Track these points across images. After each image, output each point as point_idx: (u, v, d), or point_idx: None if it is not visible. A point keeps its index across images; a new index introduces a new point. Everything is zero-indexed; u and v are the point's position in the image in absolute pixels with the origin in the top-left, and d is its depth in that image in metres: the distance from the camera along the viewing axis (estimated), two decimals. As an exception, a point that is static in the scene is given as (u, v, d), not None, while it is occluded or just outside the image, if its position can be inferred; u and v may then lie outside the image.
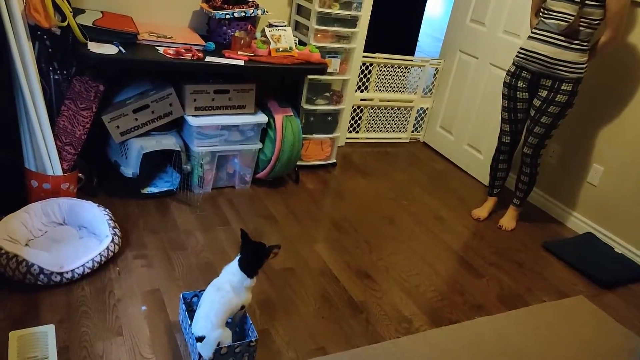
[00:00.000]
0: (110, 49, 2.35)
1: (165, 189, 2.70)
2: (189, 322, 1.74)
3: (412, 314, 2.17)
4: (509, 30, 3.29)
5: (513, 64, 2.74)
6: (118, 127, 2.50)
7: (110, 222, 2.23)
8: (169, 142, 2.61)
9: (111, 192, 2.61)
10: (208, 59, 2.55)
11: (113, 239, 2.15)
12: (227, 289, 1.72)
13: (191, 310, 1.91)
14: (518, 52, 2.70)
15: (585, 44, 2.50)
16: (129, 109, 2.49)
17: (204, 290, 1.89)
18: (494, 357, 1.99)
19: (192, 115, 2.66)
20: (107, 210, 2.31)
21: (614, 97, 2.85)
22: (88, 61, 2.31)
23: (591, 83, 2.90)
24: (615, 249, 2.86)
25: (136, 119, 2.53)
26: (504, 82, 2.79)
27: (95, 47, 2.32)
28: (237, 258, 1.78)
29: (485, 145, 3.49)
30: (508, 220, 3.01)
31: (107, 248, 2.10)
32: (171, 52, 2.49)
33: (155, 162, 2.82)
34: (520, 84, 2.71)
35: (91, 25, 2.42)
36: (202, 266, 2.24)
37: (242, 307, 1.79)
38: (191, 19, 2.96)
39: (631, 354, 2.13)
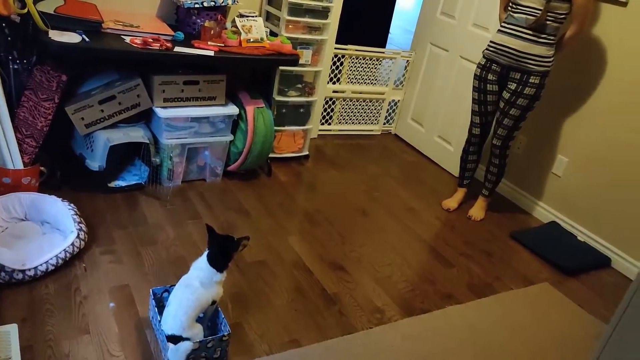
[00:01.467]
0: (73, 38, 2.27)
1: (134, 182, 2.64)
2: (159, 318, 1.71)
3: (385, 304, 2.19)
4: (478, 23, 3.32)
5: (483, 57, 2.78)
6: (83, 118, 2.42)
7: (75, 217, 2.16)
8: (137, 134, 2.55)
9: (76, 186, 2.54)
10: (177, 49, 2.49)
11: (78, 234, 2.08)
12: (196, 285, 1.70)
13: (162, 306, 1.87)
14: (488, 45, 2.74)
15: (552, 38, 2.55)
16: (94, 100, 2.42)
17: (175, 285, 1.86)
18: (464, 345, 2.03)
19: (161, 107, 2.60)
20: (72, 205, 2.24)
21: (578, 90, 2.92)
22: (50, 50, 2.22)
23: (557, 76, 2.96)
24: (578, 237, 2.94)
25: (102, 111, 2.46)
26: (475, 74, 2.82)
27: (57, 36, 2.24)
28: (206, 253, 1.75)
29: (455, 137, 3.54)
30: (477, 210, 3.06)
31: (72, 244, 2.04)
32: (138, 41, 2.42)
33: (122, 155, 2.75)
34: (490, 76, 2.75)
35: (53, 13, 2.32)
36: (173, 260, 2.20)
37: (214, 302, 1.76)
38: (159, 8, 2.89)
39: (595, 338, 2.20)
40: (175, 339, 1.63)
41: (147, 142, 2.56)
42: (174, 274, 2.12)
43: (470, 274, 2.51)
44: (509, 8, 2.64)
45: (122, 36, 2.47)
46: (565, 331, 2.22)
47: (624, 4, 2.67)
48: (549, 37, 2.55)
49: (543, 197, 3.17)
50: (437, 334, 2.06)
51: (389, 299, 2.23)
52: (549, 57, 2.59)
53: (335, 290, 2.22)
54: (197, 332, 1.69)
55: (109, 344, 1.73)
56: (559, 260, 2.69)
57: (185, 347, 1.63)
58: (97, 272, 2.04)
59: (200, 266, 1.73)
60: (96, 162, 2.46)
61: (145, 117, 2.67)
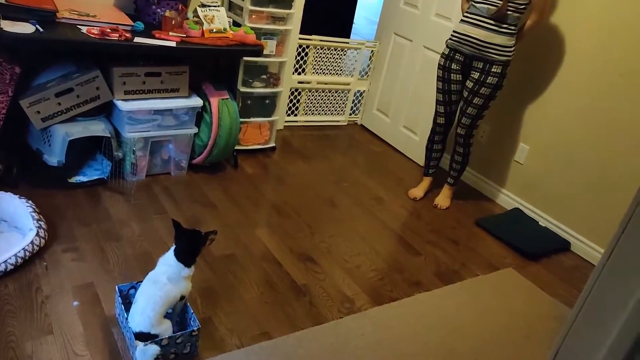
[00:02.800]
0: (26, 28, 2.17)
1: (96, 177, 2.56)
2: (126, 316, 1.67)
3: (354, 293, 2.21)
4: (441, 13, 3.36)
5: (447, 46, 2.81)
6: (39, 112, 2.33)
7: (34, 214, 2.08)
8: (97, 128, 2.47)
9: (34, 182, 2.44)
10: (137, 39, 2.42)
11: (38, 232, 2.01)
12: (163, 281, 1.67)
13: (128, 303, 1.83)
14: (451, 35, 2.77)
15: (512, 27, 2.61)
16: (51, 92, 2.33)
17: (142, 281, 1.82)
18: (433, 331, 2.07)
19: (122, 100, 2.52)
20: (30, 202, 2.16)
21: (538, 79, 3.00)
22: (1, 41, 2.12)
23: (517, 66, 3.03)
24: (540, 223, 3.04)
25: (59, 104, 2.37)
26: (438, 64, 2.86)
27: (8, 26, 2.13)
28: (172, 248, 1.72)
29: (420, 127, 3.58)
30: (443, 199, 3.12)
31: (32, 242, 1.96)
32: (95, 31, 2.34)
33: (83, 150, 2.66)
34: (453, 66, 2.79)
35: (4, 2, 2.22)
36: (139, 256, 2.15)
37: (182, 297, 1.74)
38: (117, -3, 2.80)
39: (557, 320, 2.28)
40: (143, 337, 1.60)
41: (109, 135, 2.49)
42: (140, 270, 2.07)
43: (437, 262, 2.56)
44: (471, -2, 2.68)
45: (78, 26, 2.38)
46: (529, 313, 2.29)
47: (580, -5, 2.75)
48: (510, 27, 2.60)
49: (506, 185, 3.25)
50: (406, 321, 2.10)
51: (358, 288, 2.25)
52: (510, 47, 2.65)
53: (305, 281, 2.22)
54: (166, 328, 1.66)
55: (74, 343, 1.68)
56: (522, 246, 2.78)
57: (154, 350, 1.60)
58: (59, 270, 1.98)
59: (168, 262, 1.70)
60: (55, 157, 2.37)
61: (106, 110, 2.59)
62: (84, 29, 2.35)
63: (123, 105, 2.49)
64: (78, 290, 1.91)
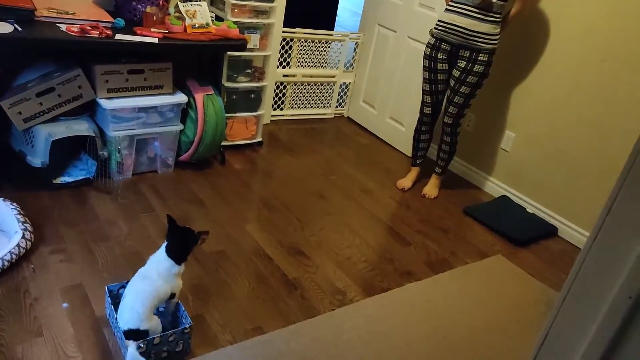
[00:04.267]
0: (4, 27, 2.13)
1: (81, 177, 2.53)
2: (116, 315, 1.66)
3: (346, 285, 2.22)
4: (424, 3, 3.36)
5: (432, 36, 2.81)
6: (20, 113, 2.29)
7: (19, 216, 2.05)
8: (80, 127, 2.44)
9: (18, 184, 2.41)
10: (118, 36, 2.39)
11: (24, 234, 1.98)
12: (154, 277, 1.66)
13: (118, 303, 1.82)
14: (436, 24, 2.77)
15: (497, 16, 2.62)
16: (32, 92, 2.29)
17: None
18: (425, 320, 2.08)
19: (105, 98, 2.49)
20: (15, 204, 2.13)
21: (522, 67, 3.02)
22: (-21, 41, 2.08)
23: (503, 54, 3.04)
24: (527, 209, 3.07)
25: (41, 104, 2.33)
26: (424, 54, 2.86)
27: (-14, 25, 2.09)
28: (164, 245, 1.71)
29: (406, 118, 3.59)
30: (431, 188, 3.13)
31: (18, 245, 1.94)
32: (75, 29, 2.30)
33: (67, 150, 2.63)
34: (440, 55, 2.80)
35: (-21, 1, 2.17)
36: (128, 256, 2.13)
37: (173, 295, 1.73)
38: (96, -6, 2.75)
39: (546, 304, 2.31)
40: (133, 334, 1.59)
41: (93, 135, 2.46)
42: (129, 269, 2.05)
43: (427, 251, 2.58)
44: (455, -13, 2.68)
45: (58, 24, 2.34)
46: (518, 298, 2.32)
47: (561, -18, 2.76)
48: (495, 15, 2.61)
49: (493, 173, 3.27)
50: (398, 311, 2.11)
51: (349, 280, 2.26)
52: (496, 35, 2.66)
53: (296, 275, 2.22)
54: (155, 324, 1.65)
55: (65, 345, 1.67)
56: (510, 233, 2.80)
57: (133, 355, 1.56)
58: (47, 272, 1.95)
59: (158, 258, 1.70)
60: (38, 158, 2.34)
61: (89, 109, 2.56)
62: (63, 27, 2.31)
63: (106, 103, 2.46)
64: (67, 291, 1.89)
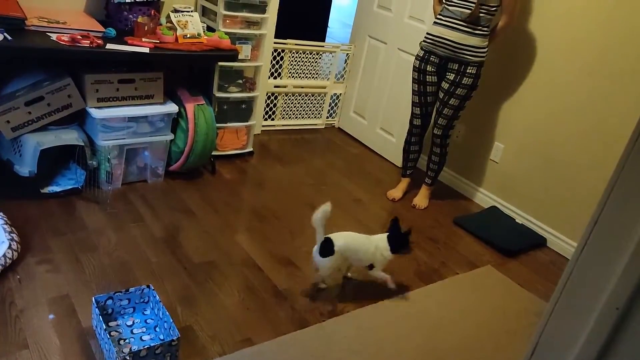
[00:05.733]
0: (-7, 36, 2.12)
1: (69, 187, 2.51)
2: (104, 327, 1.64)
3: (336, 296, 2.21)
4: (414, 15, 3.40)
5: (421, 48, 2.84)
6: (8, 122, 2.27)
7: (5, 226, 2.03)
8: (70, 136, 2.42)
9: (5, 194, 2.38)
10: (109, 46, 2.38)
11: (10, 244, 1.96)
12: (374, 241, 2.15)
13: (106, 314, 1.80)
14: (425, 37, 2.81)
15: (485, 29, 2.66)
16: (20, 101, 2.27)
17: (119, 292, 1.80)
18: (415, 330, 2.08)
19: (95, 107, 2.48)
20: (2, 213, 2.10)
21: (511, 79, 3.06)
22: (-33, 49, 2.07)
23: (491, 66, 3.08)
24: (517, 220, 3.09)
25: (29, 113, 2.31)
26: (414, 66, 2.89)
27: (-25, 34, 2.08)
28: (387, 234, 2.17)
29: (397, 129, 3.61)
30: (421, 199, 3.15)
31: (4, 255, 1.91)
32: (66, 38, 2.30)
33: (55, 159, 2.61)
34: (429, 68, 2.82)
35: (-31, 9, 2.16)
36: (116, 266, 2.11)
37: (372, 266, 2.15)
38: (87, 3, 2.75)
39: (535, 315, 2.32)
40: (327, 242, 2.05)
41: (82, 144, 2.44)
42: (117, 280, 2.03)
43: (417, 262, 2.58)
44: (444, 1, 2.72)
45: (48, 33, 2.34)
46: (508, 309, 2.33)
47: (548, -4, 2.81)
48: (483, 29, 2.65)
49: (483, 183, 3.30)
50: (389, 322, 2.10)
51: (340, 290, 2.25)
52: (484, 48, 2.70)
53: (286, 286, 2.21)
54: (325, 262, 2.06)
55: (51, 357, 1.64)
56: (499, 243, 2.82)
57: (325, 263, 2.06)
58: (33, 283, 1.93)
59: (382, 237, 2.17)
60: (26, 167, 2.31)
61: (79, 119, 2.54)
62: (53, 37, 2.31)
63: (96, 112, 2.45)
64: (53, 302, 1.86)
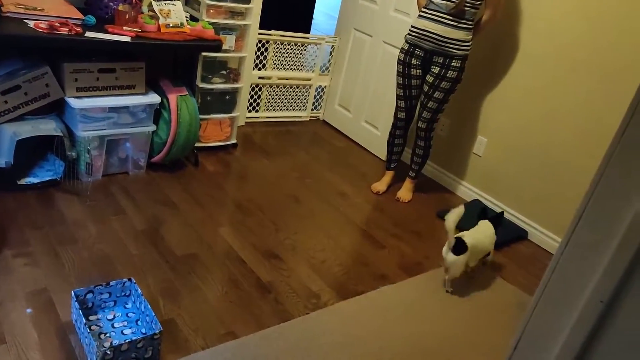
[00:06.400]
0: (-33, 22, 2.05)
1: (48, 178, 2.45)
2: (84, 321, 1.61)
3: (320, 289, 2.20)
4: (400, 9, 3.39)
5: (406, 42, 2.83)
6: (-16, 111, 2.21)
7: (-19, 219, 1.97)
8: (47, 127, 2.36)
9: (-19, 185, 2.32)
10: (88, 34, 2.33)
11: (-14, 237, 1.91)
12: (486, 231, 2.40)
13: (85, 308, 1.77)
14: (410, 30, 2.80)
15: (470, 22, 2.66)
16: (-3, 90, 2.21)
17: (100, 285, 1.77)
18: (399, 323, 2.09)
19: (74, 97, 2.43)
20: (-23, 205, 2.05)
21: (494, 73, 3.07)
22: (-60, 35, 2.00)
23: (475, 60, 3.09)
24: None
25: (6, 102, 2.25)
26: (398, 59, 2.88)
27: (-52, 19, 2.01)
28: (487, 220, 2.44)
29: (381, 122, 3.61)
30: (405, 192, 3.15)
31: (-20, 248, 1.86)
32: (43, 26, 2.24)
33: (33, 150, 2.54)
34: (413, 61, 2.82)
35: (-59, -6, 2.09)
36: (96, 259, 2.07)
37: (489, 253, 2.42)
38: (66, -10, 2.68)
39: (518, 307, 2.35)
40: (461, 244, 2.21)
41: (61, 134, 2.39)
42: (97, 273, 2.00)
43: (401, 254, 2.59)
44: (429, -6, 2.71)
45: (25, 20, 2.27)
46: (491, 301, 2.35)
47: (533, -9, 2.82)
48: (467, 22, 2.65)
49: (466, 177, 3.32)
50: (373, 314, 2.11)
51: (324, 283, 2.25)
52: (468, 41, 2.70)
53: (270, 278, 2.20)
54: (460, 261, 2.22)
55: (28, 352, 1.61)
56: (481, 236, 2.84)
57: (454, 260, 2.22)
58: (10, 276, 1.88)
59: (489, 225, 2.43)
60: (2, 158, 2.25)
61: (57, 108, 2.48)
62: (31, 24, 2.24)
63: (75, 102, 2.40)
64: (31, 296, 1.82)
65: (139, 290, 1.80)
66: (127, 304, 1.87)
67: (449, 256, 2.23)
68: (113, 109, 2.53)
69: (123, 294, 1.85)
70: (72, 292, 1.71)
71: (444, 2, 2.62)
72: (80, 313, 1.65)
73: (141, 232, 2.31)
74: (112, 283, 1.80)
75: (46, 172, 2.49)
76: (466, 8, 2.60)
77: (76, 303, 1.68)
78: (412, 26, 2.79)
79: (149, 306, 1.74)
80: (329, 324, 2.00)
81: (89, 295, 1.76)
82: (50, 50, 2.40)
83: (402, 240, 2.71)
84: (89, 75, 2.44)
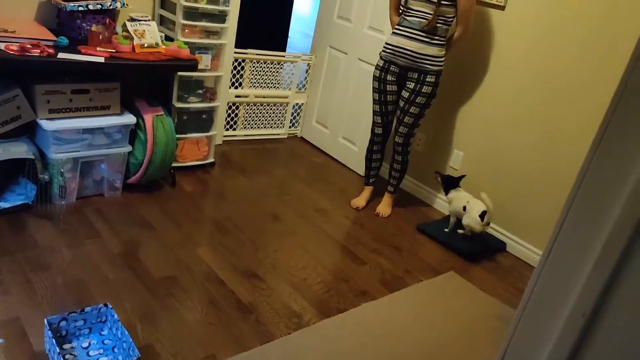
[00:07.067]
0: None
1: (19, 202, 2.39)
2: (57, 350, 1.55)
3: (302, 308, 2.18)
4: (374, 26, 3.44)
5: (381, 58, 2.87)
6: (-48, 135, 2.14)
7: (-51, 246, 1.90)
8: (19, 150, 2.31)
9: (-51, 211, 2.24)
10: (61, 55, 2.30)
11: (-46, 266, 1.84)
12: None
13: (59, 336, 1.71)
14: (384, 47, 2.84)
15: (443, 39, 2.72)
16: (-35, 113, 2.15)
17: (74, 312, 1.72)
18: (381, 339, 2.08)
19: (47, 119, 2.38)
20: (-56, 233, 1.97)
21: (468, 88, 3.13)
22: None
23: (449, 75, 3.15)
24: (478, 226, 3.15)
25: (-25, 125, 2.19)
26: (374, 76, 2.92)
27: None
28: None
29: (359, 138, 3.63)
30: (384, 207, 3.17)
31: (-53, 277, 1.79)
32: (15, 48, 2.20)
33: (4, 174, 2.48)
34: (389, 77, 2.86)
35: None
36: (71, 285, 2.01)
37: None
38: (37, 11, 2.65)
39: (498, 318, 2.36)
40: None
41: (32, 157, 2.33)
42: (72, 299, 1.94)
43: (382, 270, 2.59)
44: (402, 12, 2.76)
45: (-5, 42, 2.23)
46: (472, 314, 2.36)
47: (503, 8, 2.90)
48: (440, 39, 2.70)
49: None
50: (355, 332, 2.09)
51: (305, 302, 2.22)
52: (442, 57, 2.75)
53: (251, 299, 2.17)
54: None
55: (-1, 386, 1.54)
56: (461, 248, 2.86)
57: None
58: (-21, 306, 1.81)
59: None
60: (-29, 183, 2.19)
61: (30, 131, 2.43)
62: (1, 46, 2.20)
63: (48, 124, 2.35)
64: (2, 326, 1.75)
65: (116, 316, 1.75)
66: (103, 330, 1.81)
67: (478, 225, 2.83)
68: (87, 130, 2.48)
69: (99, 320, 1.80)
70: (45, 320, 1.66)
71: (417, 19, 2.67)
72: (54, 342, 1.59)
73: (117, 256, 2.25)
74: (87, 309, 1.75)
75: (17, 197, 2.43)
76: (438, 25, 2.66)
77: (49, 332, 1.63)
78: (386, 43, 2.83)
79: (126, 332, 1.70)
80: (311, 344, 1.97)
81: (63, 323, 1.70)
82: (22, 72, 2.36)
83: (383, 256, 2.71)
84: (61, 97, 2.40)
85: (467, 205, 2.87)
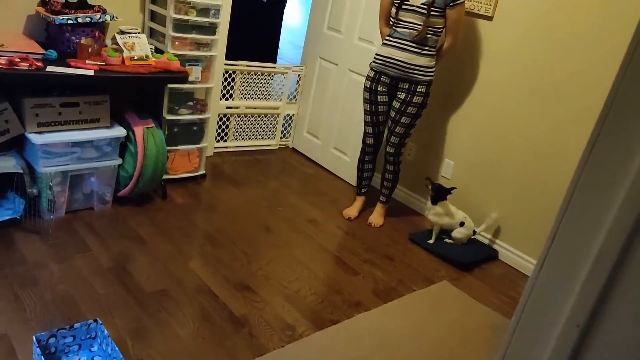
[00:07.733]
0: None
1: (7, 217, 2.35)
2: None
3: (295, 320, 2.16)
4: (363, 37, 3.46)
5: (371, 69, 2.89)
6: (-62, 150, 2.12)
7: None
8: (7, 164, 2.28)
9: None
10: (50, 68, 2.28)
11: (-60, 283, 1.80)
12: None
13: (48, 354, 1.68)
14: (375, 58, 2.86)
15: (433, 49, 2.74)
16: (-48, 128, 2.13)
17: (63, 328, 1.69)
18: (375, 350, 2.06)
19: (35, 132, 2.36)
20: None
21: (457, 97, 3.16)
22: None
23: (437, 85, 3.17)
24: (470, 234, 3.15)
25: (-38, 140, 2.17)
26: (365, 86, 2.93)
27: None
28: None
29: (350, 148, 3.64)
30: (376, 217, 3.16)
31: None
32: (2, 61, 2.18)
33: (-9, 188, 2.45)
34: (380, 88, 2.87)
35: None
36: (60, 301, 1.98)
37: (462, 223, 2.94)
38: (26, 25, 2.64)
39: (491, 327, 2.35)
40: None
41: (21, 171, 2.30)
42: (62, 316, 1.91)
43: (375, 280, 2.58)
44: (392, 23, 2.79)
45: (-17, 56, 2.21)
46: (465, 323, 2.35)
47: (490, 18, 2.94)
48: (430, 49, 2.73)
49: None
50: (348, 344, 2.08)
51: (298, 314, 2.21)
52: (432, 67, 2.77)
53: (244, 311, 2.15)
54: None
55: (-14, 406, 1.51)
56: (453, 257, 2.86)
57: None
58: (-34, 324, 1.78)
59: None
60: (-42, 198, 2.16)
61: (18, 145, 2.40)
62: (-11, 59, 2.19)
63: (36, 138, 2.33)
64: (-11, 344, 1.72)
65: (106, 332, 1.73)
66: (93, 347, 1.78)
67: (460, 234, 2.97)
68: (77, 144, 2.46)
69: (88, 336, 1.77)
70: (34, 337, 1.63)
71: (408, 30, 2.69)
72: (43, 359, 1.56)
73: (107, 270, 2.23)
74: (76, 325, 1.72)
75: (5, 211, 2.39)
76: (428, 35, 2.69)
77: (38, 349, 1.60)
78: (376, 54, 2.85)
79: (117, 348, 1.67)
80: (305, 356, 1.95)
81: (52, 340, 1.67)
82: (10, 85, 2.34)
83: (376, 266, 2.70)
84: (50, 110, 2.38)
85: (465, 220, 2.98)
